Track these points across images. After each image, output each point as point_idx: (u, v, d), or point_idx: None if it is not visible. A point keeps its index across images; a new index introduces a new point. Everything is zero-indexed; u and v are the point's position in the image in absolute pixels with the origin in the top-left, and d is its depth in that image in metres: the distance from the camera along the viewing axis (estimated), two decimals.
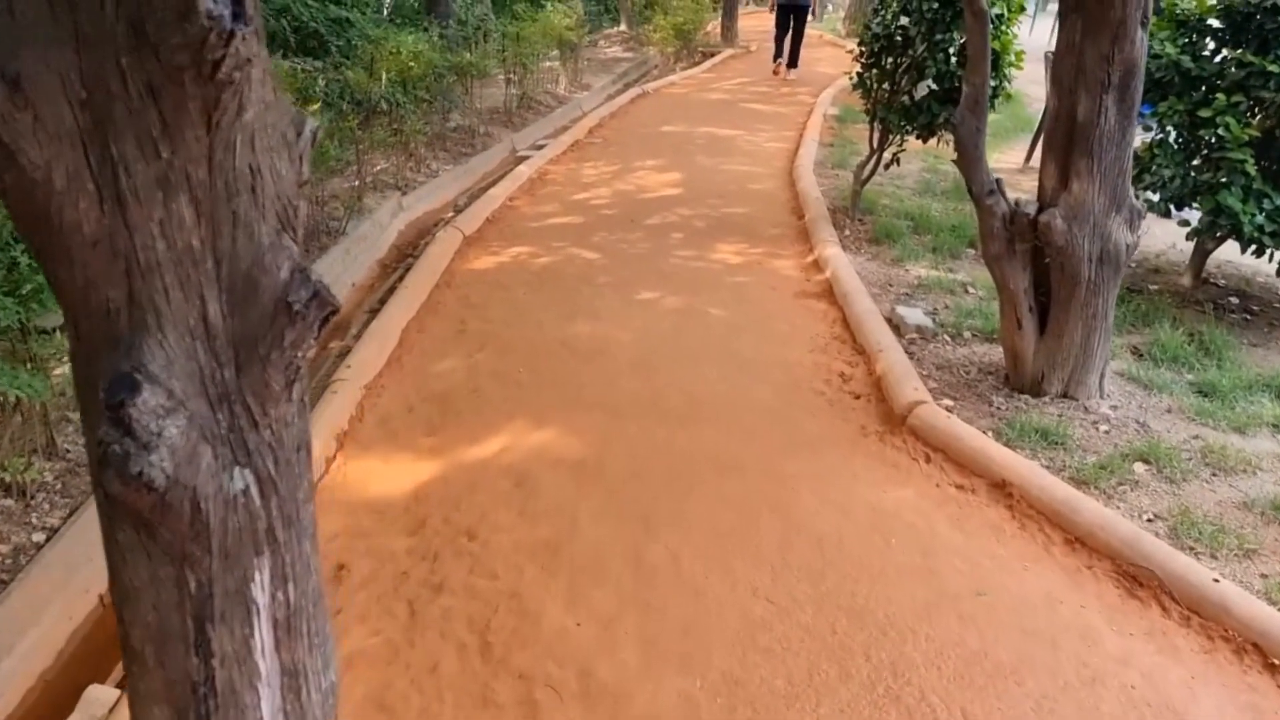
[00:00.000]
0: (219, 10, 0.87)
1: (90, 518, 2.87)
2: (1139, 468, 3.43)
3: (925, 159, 8.34)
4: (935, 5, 5.40)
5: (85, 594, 2.70)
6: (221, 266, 0.96)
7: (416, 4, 13.47)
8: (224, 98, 0.91)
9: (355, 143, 6.28)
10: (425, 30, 9.31)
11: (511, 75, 10.58)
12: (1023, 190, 7.60)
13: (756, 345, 4.46)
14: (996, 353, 4.32)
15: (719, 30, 17.15)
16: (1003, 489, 3.24)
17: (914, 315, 4.63)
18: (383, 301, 5.18)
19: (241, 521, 1.02)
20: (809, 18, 13.48)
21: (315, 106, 5.30)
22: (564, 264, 5.57)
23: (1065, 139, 3.65)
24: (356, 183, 6.78)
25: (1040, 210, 3.73)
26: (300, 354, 1.03)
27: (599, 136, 9.48)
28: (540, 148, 8.98)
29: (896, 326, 4.59)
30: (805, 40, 13.73)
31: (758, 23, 22.13)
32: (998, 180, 3.88)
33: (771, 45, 13.97)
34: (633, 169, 8.00)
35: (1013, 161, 8.62)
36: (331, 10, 11.48)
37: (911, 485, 3.33)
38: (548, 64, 12.95)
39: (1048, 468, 3.39)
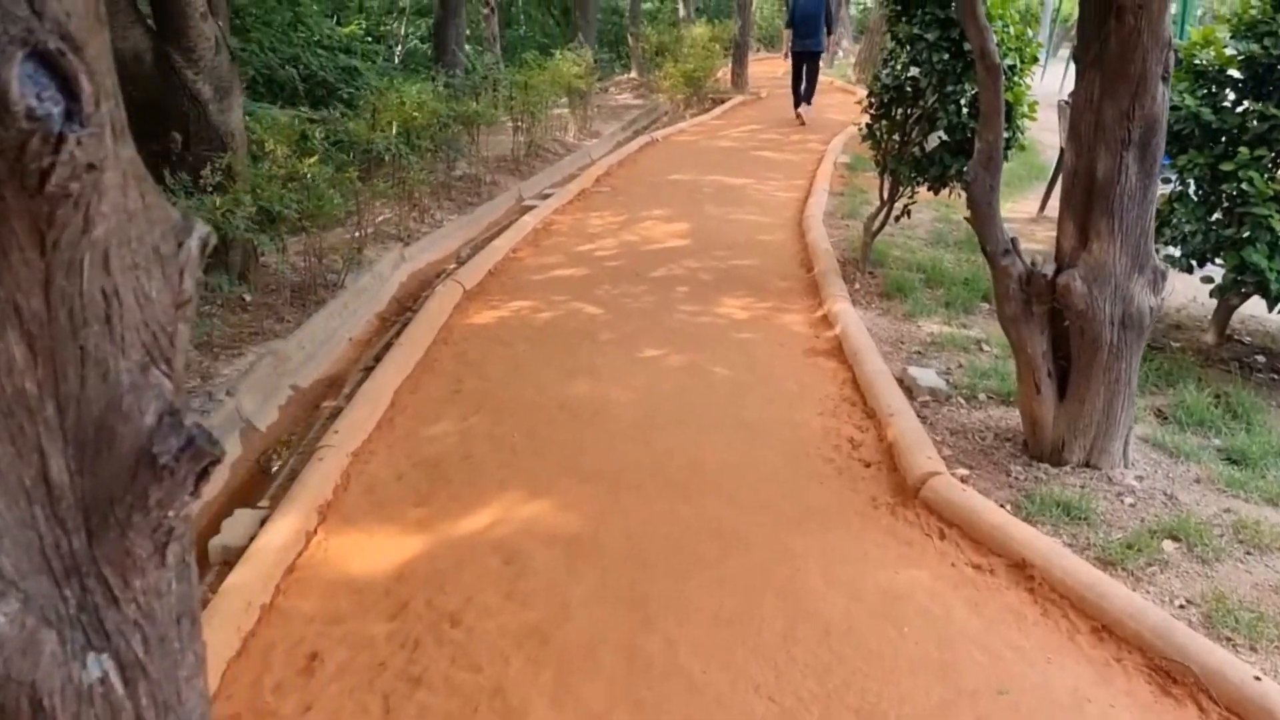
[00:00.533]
0: (44, 109, 0.71)
1: None
2: (1168, 546, 3.22)
3: (936, 208, 8.20)
4: (946, 56, 5.29)
5: None
6: (66, 414, 0.79)
7: (429, 52, 13.55)
8: (60, 213, 0.74)
9: (355, 194, 6.18)
10: (433, 79, 9.28)
11: (519, 123, 10.55)
12: (1036, 240, 7.47)
13: (763, 407, 4.28)
14: (1013, 417, 4.13)
15: (729, 77, 17.17)
16: (1023, 569, 3.04)
17: (927, 376, 4.45)
18: (378, 358, 5.04)
19: (100, 716, 0.84)
20: (819, 64, 13.79)
21: (313, 159, 5.19)
22: (566, 319, 5.42)
23: (1084, 197, 3.49)
24: (360, 233, 6.68)
25: (1058, 271, 3.57)
26: (172, 513, 0.85)
27: (606, 185, 9.40)
28: (546, 196, 8.89)
29: (909, 388, 4.41)
30: (816, 89, 14.00)
31: (768, 69, 22.20)
32: (1013, 239, 3.72)
33: (784, 92, 14.32)
34: (639, 219, 7.88)
35: (1026, 211, 8.48)
36: (341, 59, 11.51)
37: (925, 564, 3.13)
38: (558, 110, 12.95)
39: (1071, 546, 3.19)
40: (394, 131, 6.79)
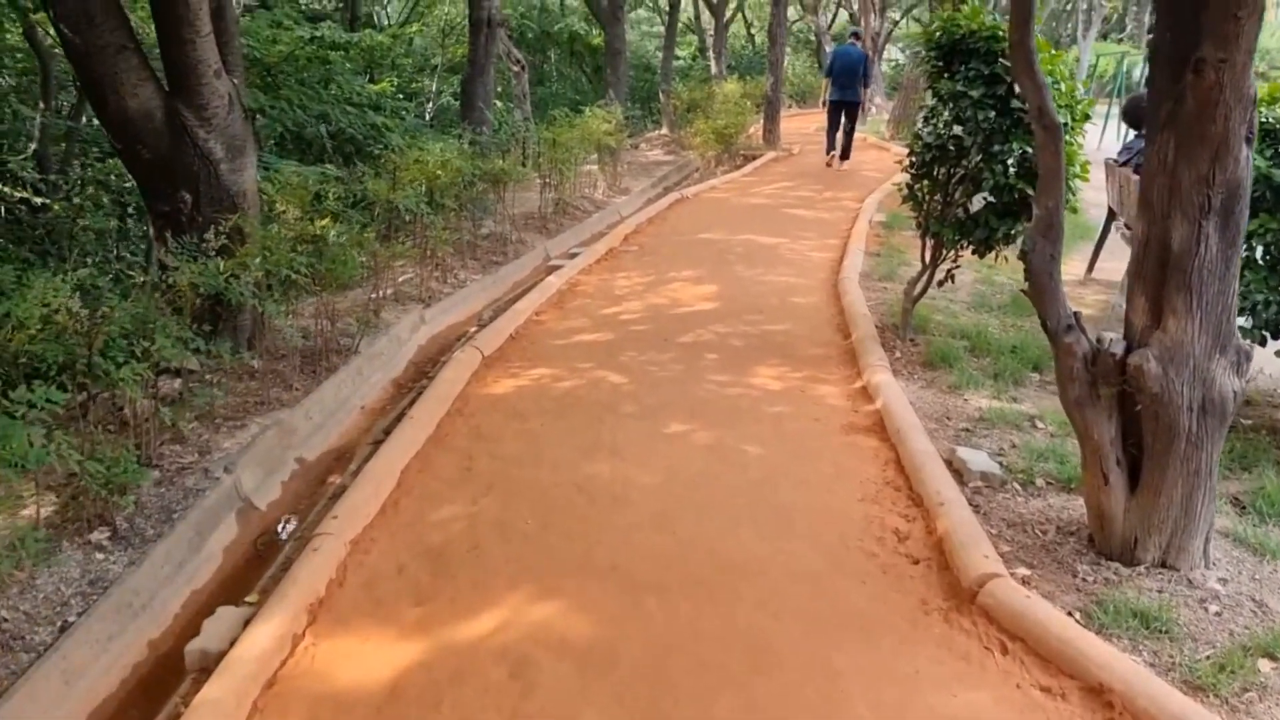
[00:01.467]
0: None
1: None
2: (1265, 666, 2.82)
3: (978, 269, 7.86)
4: (992, 114, 4.99)
5: None
6: None
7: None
8: None
9: (373, 255, 5.96)
10: (459, 137, 9.15)
11: (548, 181, 10.38)
12: (1086, 304, 7.09)
13: (798, 492, 3.93)
14: (1076, 507, 3.76)
15: (761, 133, 17.02)
16: (1100, 695, 2.65)
17: (978, 459, 4.08)
18: (389, 430, 4.76)
19: None
20: (858, 114, 14.28)
21: (324, 221, 4.97)
22: (588, 389, 5.12)
23: (1158, 269, 3.15)
24: (377, 295, 6.45)
25: (1129, 350, 3.22)
26: None
27: (634, 244, 9.16)
28: (573, 256, 8.66)
29: (958, 471, 4.04)
30: (854, 139, 14.45)
31: (800, 124, 22.11)
32: (1076, 314, 3.38)
33: (816, 148, 14.98)
34: (667, 280, 7.61)
35: (1073, 272, 8.11)
36: (370, 116, 11.45)
37: (986, 685, 2.75)
38: (588, 167, 12.81)
39: (1153, 665, 2.80)
40: (416, 190, 6.58)
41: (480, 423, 4.69)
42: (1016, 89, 4.94)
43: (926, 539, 3.56)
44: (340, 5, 21.10)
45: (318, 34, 10.40)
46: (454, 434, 4.55)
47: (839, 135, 14.01)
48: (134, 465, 3.73)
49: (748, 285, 7.42)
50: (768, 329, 6.24)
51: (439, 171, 7.21)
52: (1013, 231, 5.34)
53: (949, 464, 4.09)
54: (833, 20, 32.29)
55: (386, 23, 22.46)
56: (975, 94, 4.99)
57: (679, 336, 6.04)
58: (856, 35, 14.89)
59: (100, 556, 3.48)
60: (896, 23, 30.51)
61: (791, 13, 26.87)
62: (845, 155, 14.22)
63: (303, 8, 22.43)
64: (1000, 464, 4.13)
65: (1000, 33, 5.00)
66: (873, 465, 4.21)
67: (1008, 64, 4.93)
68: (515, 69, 13.11)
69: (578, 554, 3.43)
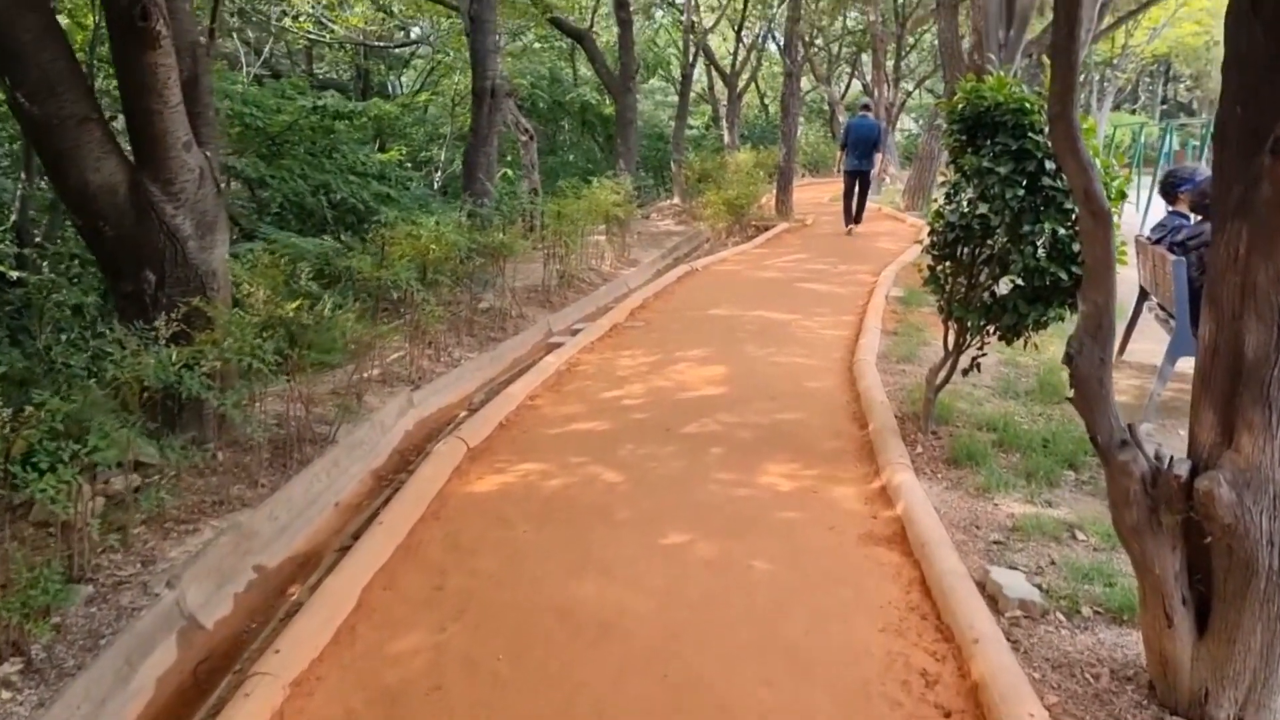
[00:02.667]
0: None
1: None
2: None
3: (1001, 349, 7.41)
4: (1021, 192, 4.60)
5: None
6: None
7: None
8: None
9: (356, 337, 5.58)
10: (461, 208, 8.85)
11: (553, 253, 10.06)
12: (1119, 392, 6.62)
13: (811, 622, 3.45)
14: (1131, 642, 3.26)
15: (774, 203, 16.76)
16: None
17: (1015, 583, 3.59)
18: (359, 534, 4.32)
19: None
20: (871, 182, 15.22)
21: (295, 304, 4.59)
22: (580, 489, 4.67)
23: (1228, 380, 2.70)
24: (359, 377, 6.06)
25: (1196, 472, 2.76)
26: None
27: (640, 319, 8.78)
28: (576, 332, 8.28)
29: (992, 596, 3.56)
30: (865, 217, 15.24)
31: (814, 194, 21.91)
32: (1130, 426, 2.92)
33: (829, 219, 15.61)
34: (673, 360, 7.20)
35: None
36: (374, 186, 11.23)
37: None
38: (596, 237, 12.52)
39: None
40: (406, 267, 6.23)
41: (458, 529, 4.24)
42: (1048, 165, 4.56)
43: (959, 684, 3.06)
44: (354, 75, 21.21)
45: (321, 103, 10.21)
46: (427, 542, 4.10)
47: (854, 202, 14.77)
48: (57, 584, 3.30)
49: (758, 367, 6.99)
50: (779, 418, 5.80)
51: (432, 246, 6.87)
52: (1044, 318, 4.91)
53: (982, 587, 3.60)
54: (846, 90, 32.40)
55: (401, 92, 22.56)
56: (1003, 170, 4.61)
57: (683, 426, 5.60)
58: (867, 107, 15.85)
59: (6, 696, 3.03)
60: (910, 93, 30.55)
61: (805, 83, 26.91)
62: (858, 220, 14.98)
63: (319, 77, 22.62)
64: (1040, 588, 3.64)
65: (1028, 105, 4.63)
66: (895, 586, 3.73)
67: (1037, 138, 4.56)
68: (524, 138, 12.90)
69: (556, 703, 2.95)
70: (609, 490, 4.64)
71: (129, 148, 4.68)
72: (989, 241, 4.99)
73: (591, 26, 17.06)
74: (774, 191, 17.03)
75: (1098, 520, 4.28)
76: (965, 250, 5.10)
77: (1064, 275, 4.64)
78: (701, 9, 22.71)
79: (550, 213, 9.78)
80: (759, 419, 5.77)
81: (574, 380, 6.68)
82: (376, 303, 6.46)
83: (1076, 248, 4.60)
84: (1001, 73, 4.81)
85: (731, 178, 16.08)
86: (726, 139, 23.47)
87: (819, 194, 22.10)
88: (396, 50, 22.34)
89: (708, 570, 3.81)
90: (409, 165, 15.78)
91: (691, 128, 28.64)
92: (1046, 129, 4.59)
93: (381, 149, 16.60)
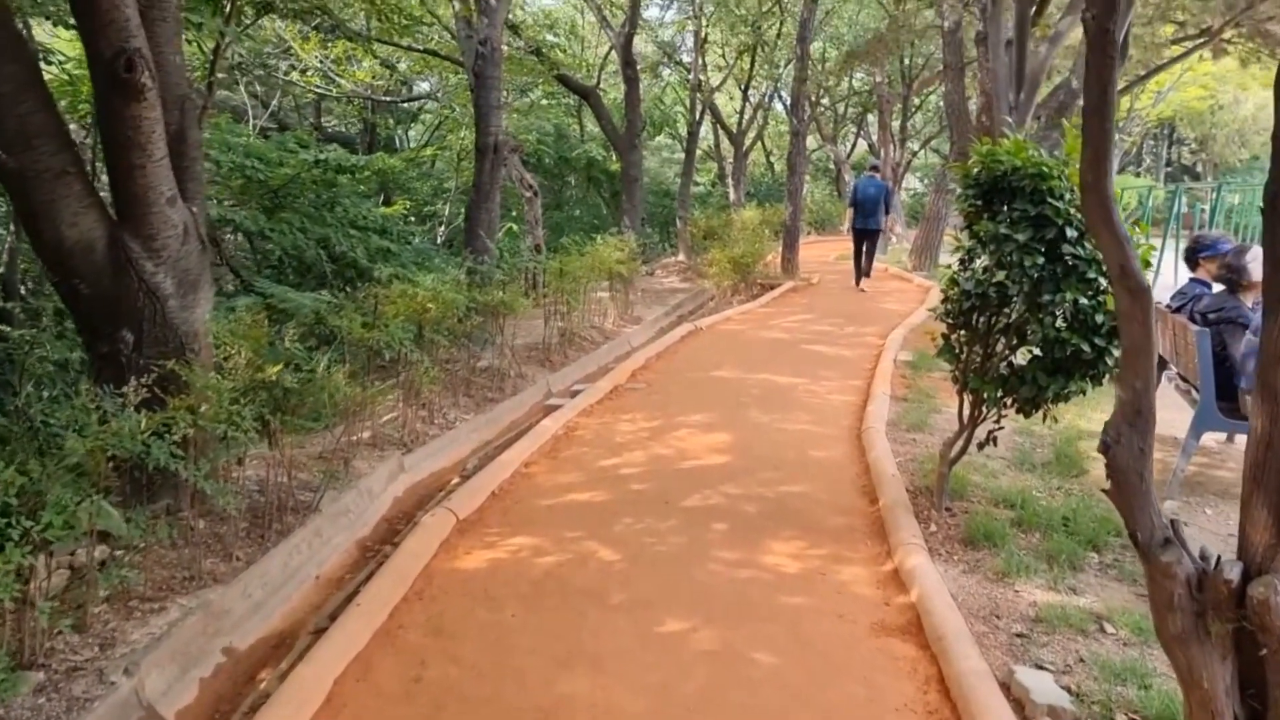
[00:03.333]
0: None
1: None
2: None
3: (1015, 418, 7.16)
4: (1040, 260, 4.39)
5: None
6: None
7: None
8: None
9: (340, 401, 5.35)
10: (460, 265, 8.69)
11: (554, 310, 9.88)
12: None
13: None
14: None
15: (779, 261, 16.63)
16: None
17: (1042, 686, 3.30)
18: (336, 615, 4.05)
19: None
20: (878, 240, 15.76)
21: (276, 369, 4.37)
22: (573, 568, 4.40)
23: None
24: (348, 440, 5.82)
25: (1248, 576, 2.49)
26: None
27: (642, 380, 8.55)
28: (575, 393, 8.05)
29: (1018, 700, 3.27)
30: (872, 278, 15.67)
31: (820, 252, 21.82)
32: (1173, 522, 2.66)
33: (836, 278, 16.10)
34: (675, 425, 6.95)
35: None
36: (375, 241, 11.09)
37: None
38: (600, 294, 12.36)
39: None
40: (399, 326, 6.02)
41: (442, 610, 3.97)
42: (1068, 232, 4.36)
43: None
44: (361, 129, 21.28)
45: (323, 157, 10.11)
46: (409, 626, 3.83)
47: (862, 259, 15.33)
48: (1, 672, 3.04)
49: (763, 434, 6.74)
50: (784, 490, 5.53)
51: (429, 304, 6.68)
52: (1065, 391, 4.67)
53: (1006, 689, 3.32)
54: (852, 149, 32.57)
55: (409, 146, 22.64)
56: (1021, 237, 4.40)
57: (683, 498, 5.34)
58: (875, 168, 16.12)
59: None
60: (915, 153, 30.66)
61: (811, 142, 27.00)
62: (866, 274, 15.46)
63: (327, 130, 22.72)
64: (1069, 690, 3.35)
65: (1047, 169, 4.44)
66: (910, 684, 3.44)
67: (1057, 204, 4.37)
68: (527, 194, 12.80)
69: None
70: (604, 569, 4.36)
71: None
72: (1006, 310, 4.77)
73: (598, 84, 17.10)
74: (780, 249, 16.92)
75: (1127, 610, 4.00)
76: (981, 319, 4.88)
77: (1086, 347, 4.41)
78: (708, 68, 22.85)
79: (552, 270, 9.62)
80: (763, 491, 5.50)
81: (571, 446, 6.43)
82: (369, 362, 6.24)
83: (1100, 318, 4.39)
84: (1018, 136, 4.63)
85: (737, 235, 15.98)
86: (732, 196, 23.48)
87: (825, 252, 22.01)
88: (405, 105, 22.47)
89: (707, 663, 3.52)
90: (413, 219, 15.71)
91: (697, 184, 28.72)
92: (1066, 194, 4.41)
93: (386, 203, 16.56)
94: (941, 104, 30.95)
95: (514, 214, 17.03)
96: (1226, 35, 15.13)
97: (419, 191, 16.52)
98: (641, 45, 22.63)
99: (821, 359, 9.58)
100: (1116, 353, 4.51)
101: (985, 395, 4.89)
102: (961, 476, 5.60)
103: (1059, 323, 4.50)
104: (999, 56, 8.10)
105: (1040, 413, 4.91)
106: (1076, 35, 10.64)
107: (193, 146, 4.75)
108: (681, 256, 19.05)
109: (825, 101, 27.90)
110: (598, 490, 5.50)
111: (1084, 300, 4.34)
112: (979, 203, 4.75)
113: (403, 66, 19.17)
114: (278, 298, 8.81)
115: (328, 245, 10.59)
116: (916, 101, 26.97)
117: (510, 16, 14.90)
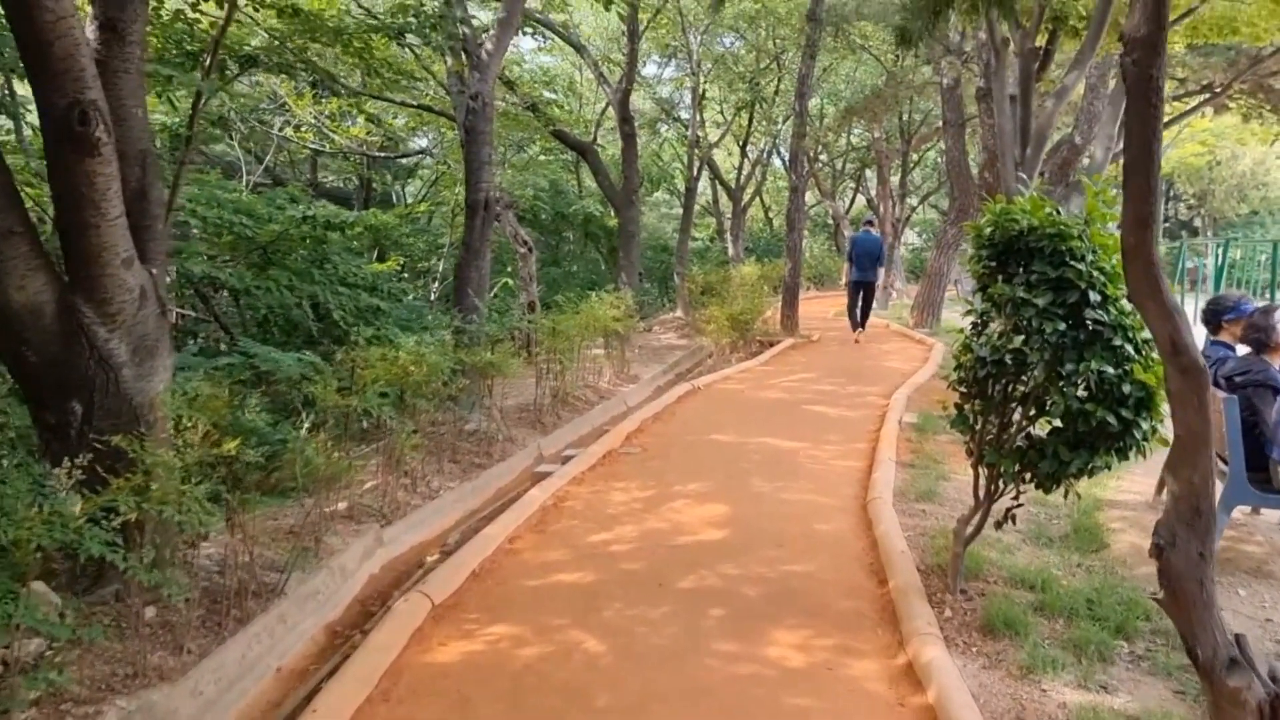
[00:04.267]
0: None
1: None
2: None
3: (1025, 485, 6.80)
4: (1062, 326, 4.07)
5: None
6: None
7: None
8: None
9: (311, 473, 5.00)
10: (448, 325, 8.39)
11: (546, 370, 9.56)
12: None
13: None
14: None
15: (779, 317, 16.35)
16: None
17: None
18: (293, 716, 3.66)
19: None
20: (875, 294, 16.10)
21: (234, 444, 4.02)
22: (556, 663, 4.01)
23: None
24: (320, 513, 5.45)
25: None
26: None
27: (637, 444, 8.19)
28: (567, 459, 7.69)
29: None
30: (873, 334, 15.86)
31: (819, 308, 21.57)
32: (1239, 637, 2.31)
33: (836, 334, 16.00)
34: (670, 494, 6.58)
35: (1137, 491, 7.02)
36: (363, 299, 10.80)
37: None
38: (595, 351, 12.06)
39: None
40: (376, 392, 5.69)
41: (410, 714, 3.58)
42: (1091, 296, 4.05)
43: None
44: (357, 185, 21.18)
45: (311, 213, 9.85)
46: None
47: (859, 311, 15.67)
48: None
49: (763, 505, 6.37)
50: (787, 570, 5.15)
51: (411, 367, 6.35)
52: (1090, 466, 4.32)
53: None
54: (850, 204, 32.54)
55: (406, 201, 22.52)
56: (1041, 302, 4.09)
57: (678, 579, 4.96)
58: (870, 222, 16.54)
59: None
60: (914, 208, 30.60)
61: (809, 197, 26.93)
62: (862, 326, 15.77)
63: (324, 186, 22.61)
64: None
65: (1066, 229, 4.15)
66: None
67: (1079, 266, 4.06)
68: (522, 250, 12.57)
69: None
70: (590, 665, 3.98)
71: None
72: (1023, 377, 4.45)
73: (595, 140, 16.99)
74: (779, 305, 16.66)
75: (1167, 714, 3.61)
76: (997, 387, 4.55)
77: (1112, 420, 4.07)
78: (706, 124, 22.83)
79: (544, 329, 9.31)
80: (764, 571, 5.12)
81: (560, 519, 6.06)
82: (346, 429, 5.89)
83: (1127, 388, 4.05)
84: (1034, 194, 4.34)
85: (735, 291, 15.73)
86: (731, 251, 23.32)
87: (824, 308, 21.75)
88: (402, 160, 22.39)
89: None
90: (405, 276, 15.46)
91: (696, 240, 28.62)
92: (1088, 256, 4.11)
93: (381, 259, 16.33)
94: (940, 160, 31.05)
95: (509, 270, 16.81)
96: (1229, 91, 15.04)
97: (413, 247, 16.29)
98: (640, 102, 22.66)
99: (824, 421, 9.23)
100: (1145, 425, 4.19)
101: (1002, 470, 4.54)
102: (976, 553, 5.23)
103: (1081, 392, 4.17)
104: (1004, 112, 7.89)
105: (1061, 490, 4.56)
106: (1080, 90, 10.49)
107: (154, 204, 4.46)
108: (679, 312, 18.80)
109: (824, 157, 27.90)
110: (586, 569, 5.12)
111: (1109, 370, 4.02)
112: (993, 264, 4.45)
113: (400, 122, 19.11)
114: (261, 357, 8.49)
115: (315, 303, 10.30)
116: (915, 157, 26.95)
117: (506, 73, 14.83)
